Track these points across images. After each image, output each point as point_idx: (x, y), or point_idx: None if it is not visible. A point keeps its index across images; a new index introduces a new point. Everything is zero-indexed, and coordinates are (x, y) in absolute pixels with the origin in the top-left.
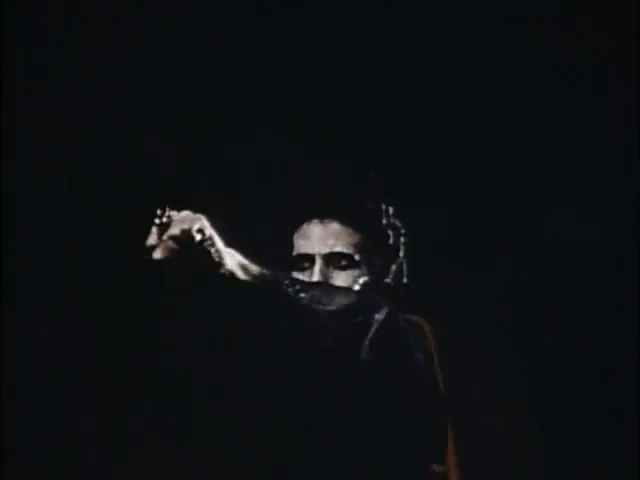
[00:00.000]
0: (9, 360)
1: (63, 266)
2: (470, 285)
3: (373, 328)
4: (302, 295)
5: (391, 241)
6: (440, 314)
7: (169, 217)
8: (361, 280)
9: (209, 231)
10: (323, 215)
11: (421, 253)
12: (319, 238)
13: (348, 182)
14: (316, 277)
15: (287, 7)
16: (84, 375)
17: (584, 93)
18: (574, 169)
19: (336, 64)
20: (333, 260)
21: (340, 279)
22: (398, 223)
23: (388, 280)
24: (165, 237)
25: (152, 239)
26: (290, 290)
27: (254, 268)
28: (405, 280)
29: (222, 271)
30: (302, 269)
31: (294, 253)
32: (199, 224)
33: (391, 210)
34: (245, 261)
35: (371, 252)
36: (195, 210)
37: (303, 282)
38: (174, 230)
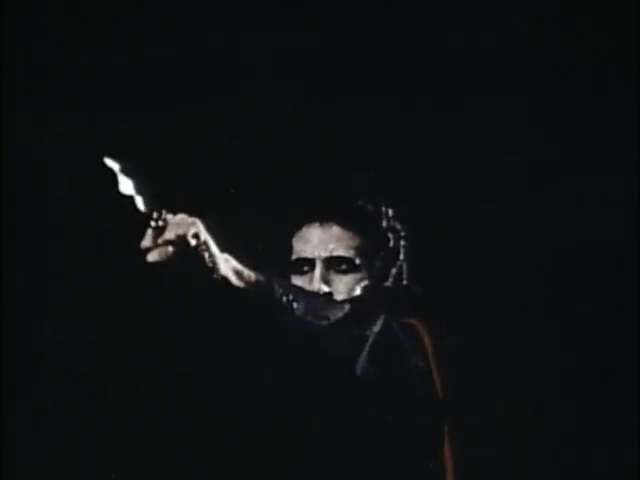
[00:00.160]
0: (9, 360)
1: (63, 266)
2: (470, 285)
3: (370, 340)
4: (295, 305)
5: (391, 244)
6: (440, 314)
7: (165, 220)
8: (361, 284)
9: (204, 236)
10: (323, 218)
11: (421, 254)
12: (319, 242)
13: (348, 184)
14: (316, 281)
15: (287, 7)
16: (84, 375)
17: (584, 93)
18: (574, 169)
19: (336, 64)
20: (333, 264)
21: (340, 283)
22: (398, 225)
23: (388, 284)
24: (160, 241)
25: (147, 241)
26: (284, 299)
27: (248, 274)
28: (405, 282)
29: (215, 276)
30: (302, 273)
31: (293, 257)
32: (194, 229)
33: (391, 212)
34: (240, 267)
35: (371, 255)
36: (192, 212)
37: (297, 291)
38: (169, 234)
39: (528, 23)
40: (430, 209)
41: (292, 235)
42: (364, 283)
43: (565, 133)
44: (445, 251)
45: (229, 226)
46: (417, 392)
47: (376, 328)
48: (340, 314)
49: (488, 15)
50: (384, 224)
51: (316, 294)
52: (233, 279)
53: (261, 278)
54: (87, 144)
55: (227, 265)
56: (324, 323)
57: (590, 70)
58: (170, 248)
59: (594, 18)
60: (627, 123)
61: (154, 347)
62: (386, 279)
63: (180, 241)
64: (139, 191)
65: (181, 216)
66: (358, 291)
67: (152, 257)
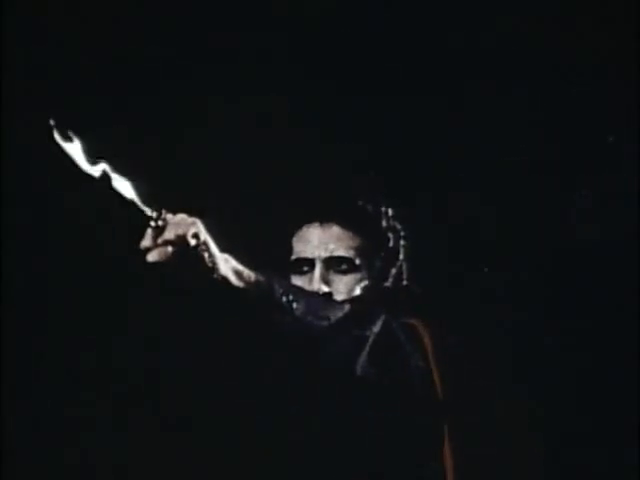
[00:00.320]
0: (9, 360)
1: (63, 266)
2: (470, 285)
3: (370, 340)
4: (295, 305)
5: (391, 244)
6: (440, 314)
7: (164, 220)
8: (361, 284)
9: (204, 236)
10: (323, 218)
11: (421, 254)
12: (319, 242)
13: (348, 184)
14: (316, 281)
15: (287, 7)
16: (84, 375)
17: (584, 93)
18: (574, 169)
19: (336, 64)
20: (333, 264)
21: (340, 283)
22: (398, 225)
23: (388, 284)
24: (160, 241)
25: (147, 241)
26: (284, 299)
27: (248, 274)
28: (405, 282)
29: (215, 276)
30: (301, 273)
31: (293, 257)
32: (194, 229)
33: (391, 212)
34: (240, 267)
35: (371, 255)
36: (192, 212)
37: (297, 291)
38: (169, 234)
39: (528, 23)
40: (430, 209)
41: (292, 235)
42: (364, 283)
43: (565, 133)
44: (445, 251)
45: (229, 226)
46: (417, 392)
47: (376, 328)
48: (340, 314)
49: (488, 15)
50: (384, 224)
51: (316, 294)
52: (233, 279)
53: (261, 278)
54: (87, 144)
55: (227, 265)
56: (324, 323)
57: (590, 70)
58: (170, 248)
59: (594, 18)
60: (627, 123)
61: (154, 347)
62: (386, 279)
63: (180, 241)
64: (139, 192)
65: (181, 216)
66: (358, 291)
67: (152, 257)
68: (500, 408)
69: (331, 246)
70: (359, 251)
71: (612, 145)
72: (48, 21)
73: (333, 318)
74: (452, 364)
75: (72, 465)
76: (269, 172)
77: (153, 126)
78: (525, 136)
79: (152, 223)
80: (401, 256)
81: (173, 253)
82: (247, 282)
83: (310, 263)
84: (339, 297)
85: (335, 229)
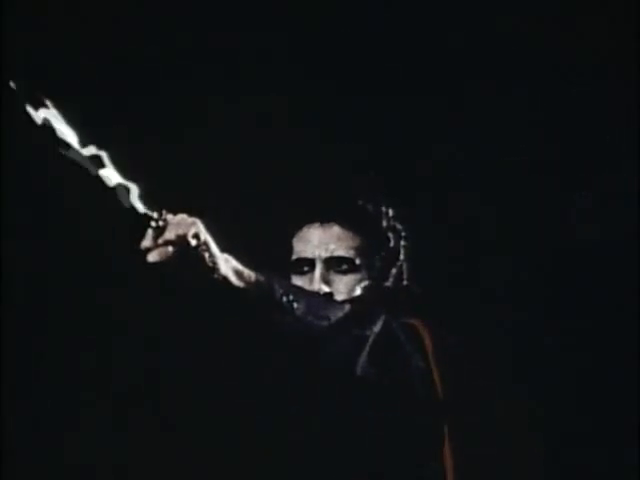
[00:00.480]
0: (9, 360)
1: (63, 266)
2: (470, 285)
3: (370, 340)
4: (296, 305)
5: (391, 244)
6: (440, 314)
7: (165, 220)
8: (362, 284)
9: (204, 236)
10: (323, 218)
11: (421, 254)
12: (319, 242)
13: (348, 184)
14: (316, 282)
15: (287, 7)
16: (84, 375)
17: (584, 93)
18: (574, 169)
19: (336, 64)
20: (333, 264)
21: (341, 283)
22: (398, 225)
23: (388, 284)
24: (160, 241)
25: (147, 242)
26: (284, 299)
27: (249, 274)
28: (405, 282)
29: (215, 276)
30: (302, 273)
31: (293, 257)
32: (194, 229)
33: (391, 212)
34: (240, 267)
35: (371, 255)
36: (192, 212)
37: (297, 291)
38: (169, 234)
39: (528, 23)
40: (430, 209)
41: (292, 235)
42: (364, 283)
43: (565, 133)
44: (445, 251)
45: (229, 226)
46: (417, 392)
47: (376, 328)
48: (340, 314)
49: (488, 15)
50: (384, 224)
51: (316, 294)
52: (233, 279)
53: (261, 278)
54: (87, 144)
55: (227, 265)
56: (324, 323)
57: (590, 70)
58: (170, 248)
59: (594, 18)
60: (627, 123)
61: (154, 347)
62: (386, 279)
63: (180, 241)
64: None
65: (181, 216)
66: (358, 291)
67: (152, 257)
68: (500, 408)
69: (331, 246)
70: (359, 251)
71: (612, 145)
72: (48, 21)
73: (333, 318)
74: (452, 364)
75: (72, 465)
76: (269, 172)
77: (153, 126)
78: (525, 136)
79: (152, 223)
80: (401, 256)
81: (173, 253)
82: (247, 282)
83: (310, 263)
84: (339, 297)
85: (335, 229)
